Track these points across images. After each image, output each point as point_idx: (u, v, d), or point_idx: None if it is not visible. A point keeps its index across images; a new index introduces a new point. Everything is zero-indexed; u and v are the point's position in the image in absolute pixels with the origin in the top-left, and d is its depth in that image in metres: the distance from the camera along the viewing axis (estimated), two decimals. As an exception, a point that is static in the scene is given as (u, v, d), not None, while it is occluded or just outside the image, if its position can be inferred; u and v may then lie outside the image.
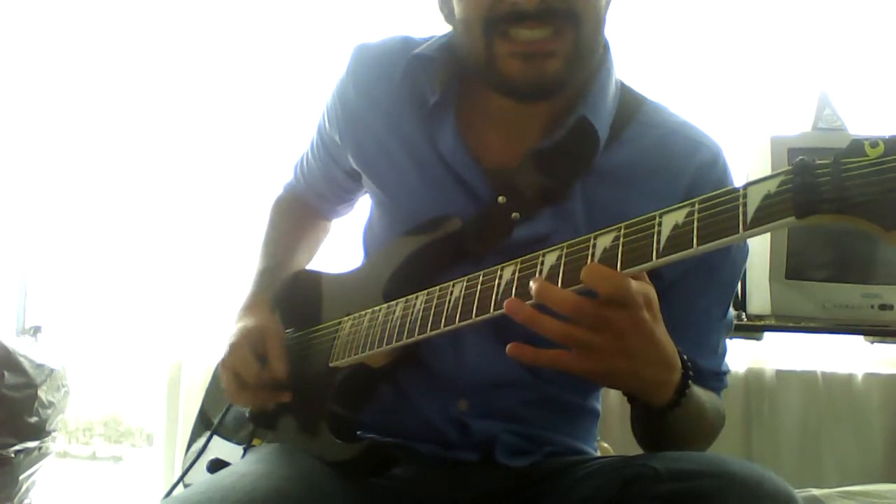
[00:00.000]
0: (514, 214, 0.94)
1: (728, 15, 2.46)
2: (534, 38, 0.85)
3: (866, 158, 0.58)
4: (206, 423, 1.21)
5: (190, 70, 2.55)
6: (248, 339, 1.02)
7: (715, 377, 1.01)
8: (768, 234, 1.81)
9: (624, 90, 1.01)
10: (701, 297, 0.97)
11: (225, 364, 1.02)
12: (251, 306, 1.11)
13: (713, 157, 0.98)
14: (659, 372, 0.78)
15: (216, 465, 1.04)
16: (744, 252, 1.01)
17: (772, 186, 0.62)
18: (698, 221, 0.66)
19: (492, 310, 0.79)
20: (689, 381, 0.82)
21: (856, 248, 1.87)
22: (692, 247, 0.65)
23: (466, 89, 0.99)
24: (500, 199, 0.95)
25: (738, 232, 0.63)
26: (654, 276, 0.74)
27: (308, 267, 1.22)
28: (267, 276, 1.17)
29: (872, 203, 0.57)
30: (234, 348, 1.02)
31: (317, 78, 2.28)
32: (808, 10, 2.44)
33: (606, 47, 0.98)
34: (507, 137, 0.98)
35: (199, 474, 1.09)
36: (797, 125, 1.98)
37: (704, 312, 0.99)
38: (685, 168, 0.96)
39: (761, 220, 0.61)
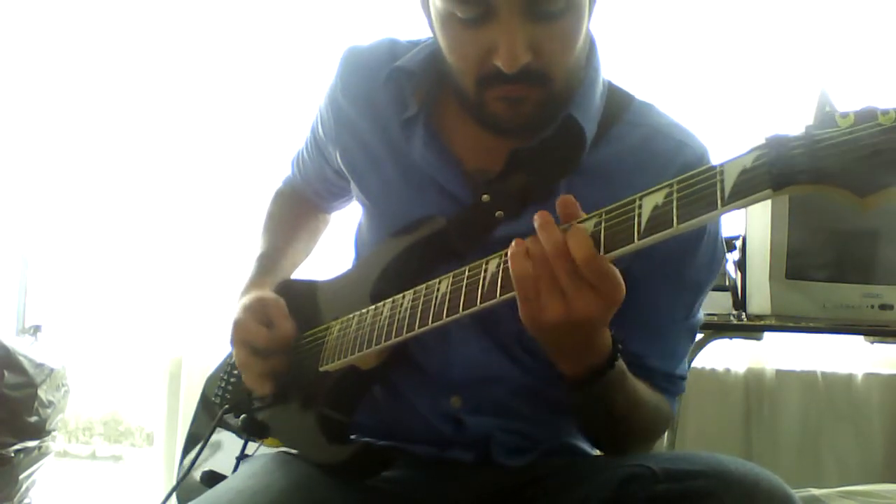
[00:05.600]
0: (498, 213, 0.95)
1: (727, 15, 2.46)
2: (511, 84, 0.88)
3: (837, 129, 0.60)
4: (209, 411, 1.21)
5: (188, 70, 2.55)
6: (250, 311, 1.03)
7: (667, 379, 1.00)
8: (769, 234, 1.83)
9: (611, 89, 1.01)
10: (663, 299, 0.97)
11: (234, 341, 1.03)
12: (250, 287, 1.11)
13: (697, 159, 0.97)
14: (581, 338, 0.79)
15: (211, 478, 1.02)
16: (716, 256, 0.99)
17: (747, 162, 0.63)
18: (677, 201, 0.67)
19: (478, 303, 0.79)
20: (617, 355, 0.83)
21: (856, 249, 1.87)
22: (673, 226, 0.67)
23: (447, 96, 1.00)
24: (485, 197, 0.95)
25: (716, 208, 0.64)
26: (621, 271, 0.74)
27: (294, 276, 1.22)
28: (265, 259, 1.18)
29: (846, 171, 0.59)
30: (238, 323, 1.03)
31: (312, 76, 2.28)
32: (808, 10, 2.44)
33: (593, 45, 0.99)
34: (487, 139, 0.97)
35: (196, 482, 1.09)
36: (797, 125, 1.97)
37: (666, 314, 0.98)
38: (668, 168, 0.94)
39: (739, 194, 0.63)
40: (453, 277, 0.84)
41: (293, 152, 1.26)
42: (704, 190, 0.66)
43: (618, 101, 1.00)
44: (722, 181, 0.64)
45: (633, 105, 1.01)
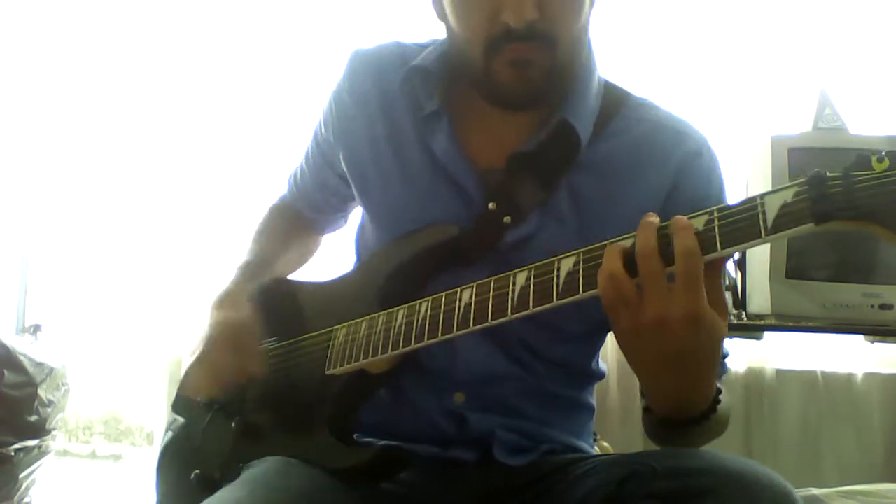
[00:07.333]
0: (505, 219, 0.96)
1: (728, 15, 2.46)
2: (520, 47, 0.90)
3: (873, 172, 0.65)
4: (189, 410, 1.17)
5: (190, 71, 2.55)
6: (227, 335, 1.00)
7: None
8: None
9: (608, 87, 1.03)
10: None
11: (203, 358, 1.01)
12: (228, 297, 1.07)
13: (698, 148, 0.99)
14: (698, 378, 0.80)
15: (202, 482, 1.00)
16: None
17: (788, 196, 0.68)
18: (719, 228, 0.71)
19: (509, 313, 0.82)
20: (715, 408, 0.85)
21: (856, 249, 1.86)
22: (717, 250, 0.71)
23: (459, 95, 1.01)
24: (491, 205, 0.96)
25: (760, 237, 0.69)
26: None
27: (289, 277, 1.20)
28: (249, 268, 1.14)
29: (883, 211, 0.64)
30: (214, 343, 1.00)
31: (314, 84, 2.29)
32: (808, 10, 2.44)
33: (589, 49, 1.00)
34: (495, 140, 0.99)
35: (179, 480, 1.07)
36: (797, 125, 1.98)
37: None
38: (669, 158, 0.98)
39: (782, 226, 0.68)
40: (477, 288, 0.85)
41: (291, 163, 1.25)
42: (746, 220, 0.70)
43: (614, 99, 1.02)
44: (763, 213, 0.69)
45: (629, 101, 1.03)
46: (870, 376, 2.32)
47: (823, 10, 2.44)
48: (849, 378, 2.32)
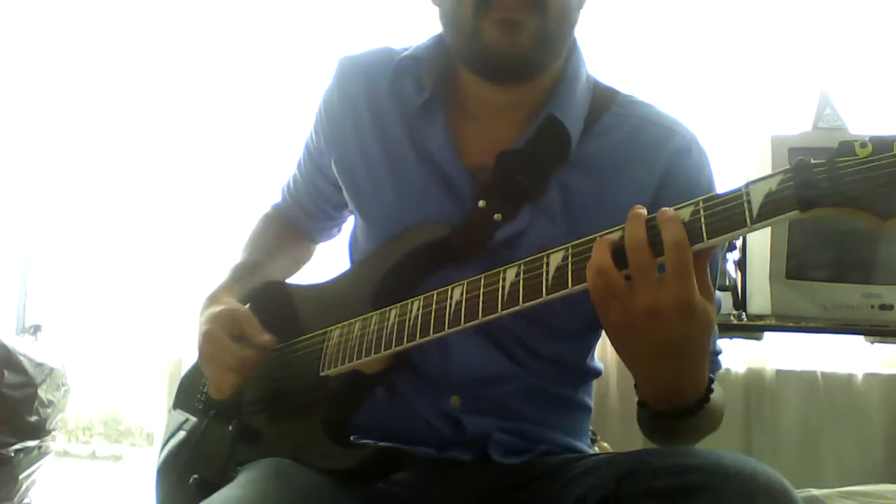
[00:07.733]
0: (496, 216, 0.96)
1: (728, 14, 2.46)
2: (509, 4, 0.89)
3: (857, 157, 0.65)
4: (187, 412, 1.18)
5: (190, 73, 2.55)
6: (220, 323, 1.00)
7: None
8: (769, 234, 1.83)
9: (597, 86, 1.04)
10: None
11: (204, 355, 1.00)
12: (217, 295, 1.08)
13: (687, 145, 1.00)
14: (687, 372, 0.80)
15: (201, 486, 1.00)
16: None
17: (772, 184, 0.68)
18: (705, 218, 0.71)
19: (499, 310, 0.81)
20: (712, 388, 0.84)
21: (856, 249, 1.86)
22: (703, 240, 0.71)
23: (451, 88, 1.02)
24: (481, 203, 0.96)
25: (746, 225, 0.69)
26: None
27: (279, 279, 1.19)
28: (240, 270, 1.15)
29: (867, 196, 0.64)
30: (209, 336, 0.99)
31: (310, 89, 2.29)
32: (808, 10, 2.44)
33: (575, 46, 1.01)
34: (485, 138, 1.00)
35: (180, 482, 1.07)
36: (797, 125, 1.98)
37: None
38: (658, 156, 0.98)
39: (767, 214, 0.68)
40: (468, 285, 0.85)
41: (284, 177, 1.25)
42: (732, 209, 0.70)
43: (604, 96, 1.02)
44: (749, 201, 0.69)
45: (618, 99, 1.03)
46: (870, 377, 2.32)
47: (823, 10, 2.44)
48: (849, 378, 2.32)
